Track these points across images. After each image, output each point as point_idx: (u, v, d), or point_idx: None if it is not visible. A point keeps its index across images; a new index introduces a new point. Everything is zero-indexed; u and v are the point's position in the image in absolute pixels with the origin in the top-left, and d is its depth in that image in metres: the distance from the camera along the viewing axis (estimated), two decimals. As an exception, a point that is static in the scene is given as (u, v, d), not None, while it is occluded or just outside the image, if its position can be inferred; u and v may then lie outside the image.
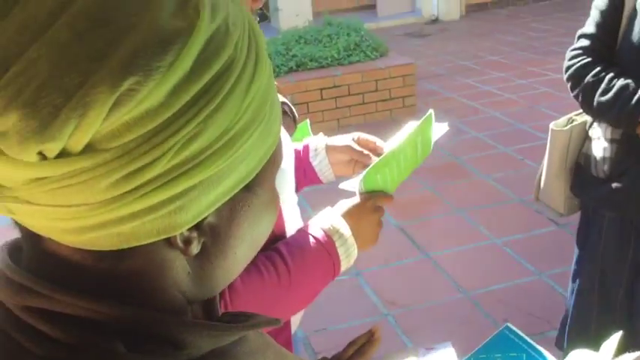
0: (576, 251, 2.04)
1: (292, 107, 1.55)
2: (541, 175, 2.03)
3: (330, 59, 5.30)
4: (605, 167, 1.80)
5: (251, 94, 0.41)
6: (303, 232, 1.03)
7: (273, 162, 0.47)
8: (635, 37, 1.67)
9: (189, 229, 0.42)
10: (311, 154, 1.25)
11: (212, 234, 0.44)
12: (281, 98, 1.60)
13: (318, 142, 1.25)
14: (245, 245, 0.48)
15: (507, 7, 10.63)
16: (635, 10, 1.68)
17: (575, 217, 2.08)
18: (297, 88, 5.13)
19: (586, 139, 1.88)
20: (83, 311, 0.41)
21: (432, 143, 1.16)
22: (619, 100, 1.67)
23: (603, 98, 1.71)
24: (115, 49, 0.35)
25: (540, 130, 4.72)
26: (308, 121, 1.68)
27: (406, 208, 3.75)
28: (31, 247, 0.45)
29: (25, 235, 0.44)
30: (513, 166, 4.32)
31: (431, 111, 1.11)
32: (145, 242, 0.41)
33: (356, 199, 1.06)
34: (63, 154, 0.36)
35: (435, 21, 10.03)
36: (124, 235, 0.40)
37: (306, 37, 5.53)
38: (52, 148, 0.36)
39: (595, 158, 1.83)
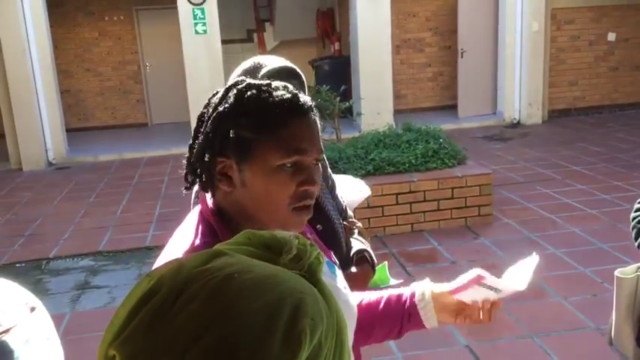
0: None
1: (372, 254, 1.59)
2: (613, 319, 2.00)
3: (407, 165, 5.39)
4: None
5: None
6: None
7: None
8: None
9: None
10: (417, 297, 1.28)
11: None
12: (362, 245, 1.65)
13: (424, 288, 1.30)
14: None
15: (592, 114, 10.50)
16: None
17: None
18: (374, 191, 5.21)
19: None
20: None
21: None
22: None
23: None
24: None
25: (623, 252, 4.55)
26: (386, 263, 1.69)
27: (476, 327, 3.65)
28: None
29: None
30: (592, 289, 4.15)
31: None
32: None
33: None
34: None
35: (517, 125, 10.03)
36: None
37: (385, 142, 5.67)
38: None
39: None
